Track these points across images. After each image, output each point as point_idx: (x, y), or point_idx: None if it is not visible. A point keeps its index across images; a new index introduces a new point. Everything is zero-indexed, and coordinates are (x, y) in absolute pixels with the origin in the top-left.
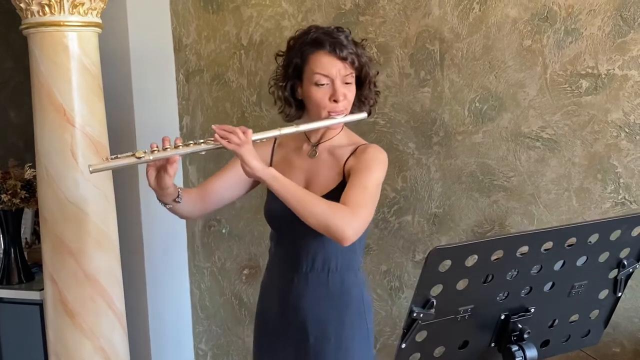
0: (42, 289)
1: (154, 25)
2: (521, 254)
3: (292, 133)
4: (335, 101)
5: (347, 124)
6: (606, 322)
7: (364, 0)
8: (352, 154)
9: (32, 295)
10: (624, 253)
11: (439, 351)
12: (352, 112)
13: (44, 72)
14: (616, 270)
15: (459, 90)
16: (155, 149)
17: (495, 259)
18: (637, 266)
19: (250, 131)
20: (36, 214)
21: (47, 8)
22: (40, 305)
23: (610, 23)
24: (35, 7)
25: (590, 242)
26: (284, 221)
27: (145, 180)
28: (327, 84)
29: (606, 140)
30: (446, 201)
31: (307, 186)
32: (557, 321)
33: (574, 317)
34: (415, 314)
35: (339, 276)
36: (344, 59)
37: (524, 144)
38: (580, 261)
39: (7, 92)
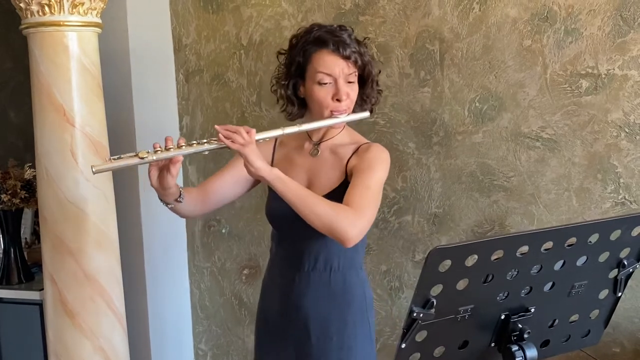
0: (42, 289)
1: (154, 25)
2: (521, 254)
3: (295, 132)
4: (338, 100)
5: (349, 123)
6: (606, 322)
7: (364, 0)
8: (354, 152)
9: (32, 295)
10: (624, 253)
11: (439, 351)
12: (354, 111)
13: (43, 72)
14: (616, 270)
15: (459, 90)
16: (158, 149)
17: (495, 259)
18: (637, 266)
19: (253, 131)
20: (36, 214)
21: (46, 8)
22: (40, 305)
23: (610, 23)
24: (35, 7)
25: (590, 242)
26: (285, 221)
27: (145, 179)
28: (330, 83)
29: (606, 140)
30: (446, 201)
31: (309, 185)
32: (557, 321)
33: (574, 317)
34: (415, 314)
35: (341, 275)
36: (347, 58)
37: (524, 144)
38: (580, 261)
39: (7, 92)
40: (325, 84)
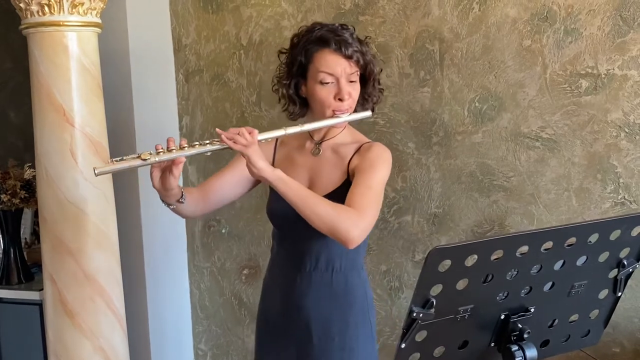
0: (42, 289)
1: (154, 25)
2: (521, 254)
3: (297, 133)
4: (340, 100)
5: (351, 122)
6: (606, 322)
7: (364, 0)
8: (356, 152)
9: (32, 295)
10: (623, 253)
11: (438, 351)
12: (355, 110)
13: (43, 72)
14: (616, 270)
15: (459, 90)
16: (161, 150)
17: (495, 259)
18: (637, 266)
19: (256, 131)
20: (36, 214)
21: (46, 8)
22: (39, 305)
23: (610, 23)
24: (34, 7)
25: (590, 242)
26: (287, 221)
27: (145, 180)
28: (332, 83)
29: (606, 140)
30: (446, 201)
31: (311, 184)
32: (557, 321)
33: (574, 317)
34: (415, 314)
35: (342, 276)
36: (349, 57)
37: (524, 144)
38: (580, 261)
39: (6, 93)
40: (327, 83)
